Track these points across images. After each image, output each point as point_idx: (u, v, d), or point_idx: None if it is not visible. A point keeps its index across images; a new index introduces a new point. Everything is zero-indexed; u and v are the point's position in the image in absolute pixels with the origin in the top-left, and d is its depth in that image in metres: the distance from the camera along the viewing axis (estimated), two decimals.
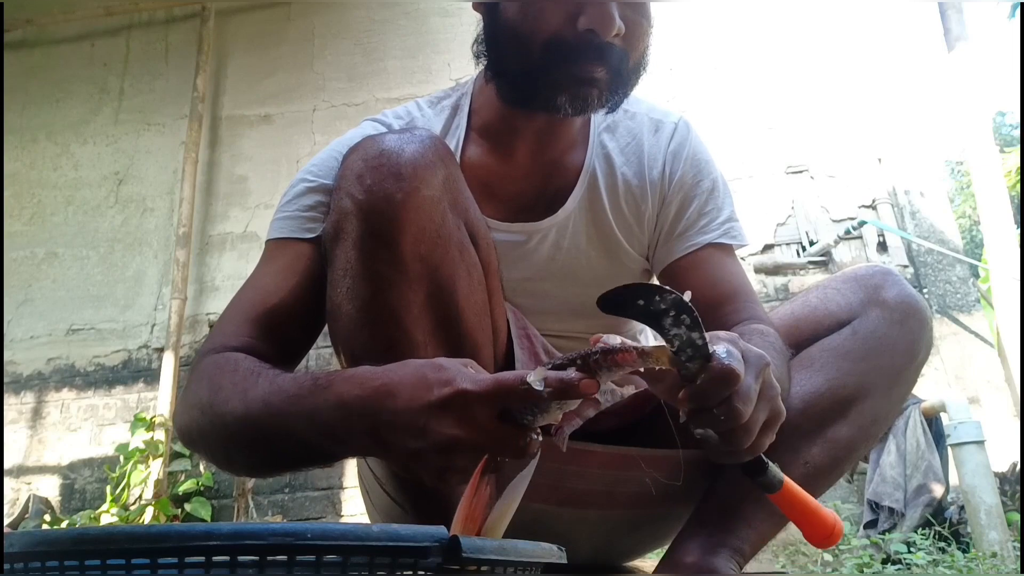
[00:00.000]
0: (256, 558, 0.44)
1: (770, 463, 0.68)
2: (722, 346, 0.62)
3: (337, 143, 0.99)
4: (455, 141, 1.04)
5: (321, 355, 3.11)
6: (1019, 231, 3.86)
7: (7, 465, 3.30)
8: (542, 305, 1.04)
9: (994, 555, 2.23)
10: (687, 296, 0.59)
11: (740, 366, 0.61)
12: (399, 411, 0.63)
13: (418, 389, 0.63)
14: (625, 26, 0.89)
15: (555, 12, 0.89)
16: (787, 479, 0.68)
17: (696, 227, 1.05)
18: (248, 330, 0.85)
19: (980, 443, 2.49)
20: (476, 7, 0.98)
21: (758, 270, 3.36)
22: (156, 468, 3.01)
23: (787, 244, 3.41)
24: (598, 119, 1.09)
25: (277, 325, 0.86)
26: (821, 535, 0.69)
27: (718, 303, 1.00)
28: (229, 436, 0.76)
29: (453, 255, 0.81)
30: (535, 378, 0.58)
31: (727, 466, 0.98)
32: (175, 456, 3.16)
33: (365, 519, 1.17)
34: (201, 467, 3.19)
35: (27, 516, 3.07)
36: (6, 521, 3.03)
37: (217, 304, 3.52)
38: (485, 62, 0.99)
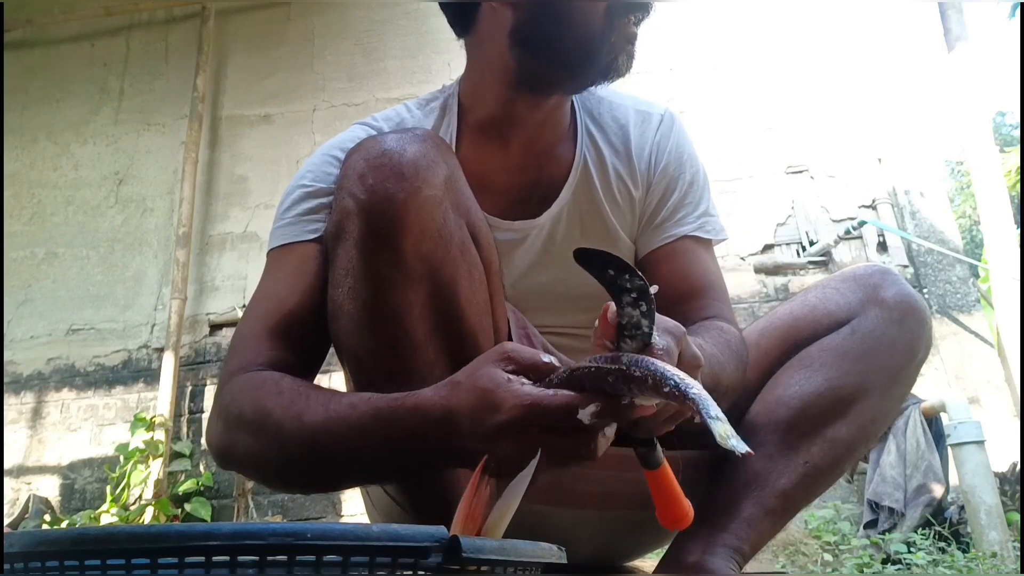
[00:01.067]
0: (256, 558, 0.44)
1: (658, 444, 0.72)
2: (663, 340, 0.64)
3: (328, 147, 0.99)
4: (447, 140, 1.04)
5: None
6: (1019, 231, 3.86)
7: (7, 465, 3.30)
8: (540, 299, 1.05)
9: (994, 555, 2.23)
10: (654, 289, 0.63)
11: (671, 364, 0.63)
12: (467, 435, 0.66)
13: (477, 413, 0.64)
14: None
15: None
16: (666, 463, 0.71)
17: (673, 219, 1.06)
18: (270, 343, 0.85)
19: (980, 443, 2.49)
20: (503, 4, 0.95)
21: (758, 270, 3.36)
22: (156, 468, 3.01)
23: (787, 244, 3.42)
24: (583, 110, 1.09)
25: (296, 331, 0.86)
26: (671, 518, 0.73)
27: (687, 296, 1.01)
28: (286, 461, 0.77)
29: (455, 255, 0.81)
30: (585, 415, 0.61)
31: (727, 467, 0.98)
32: (175, 456, 3.16)
33: (365, 519, 1.17)
34: (201, 467, 3.20)
35: (27, 516, 3.07)
36: (6, 521, 3.04)
37: (217, 304, 3.52)
38: (522, 51, 0.96)
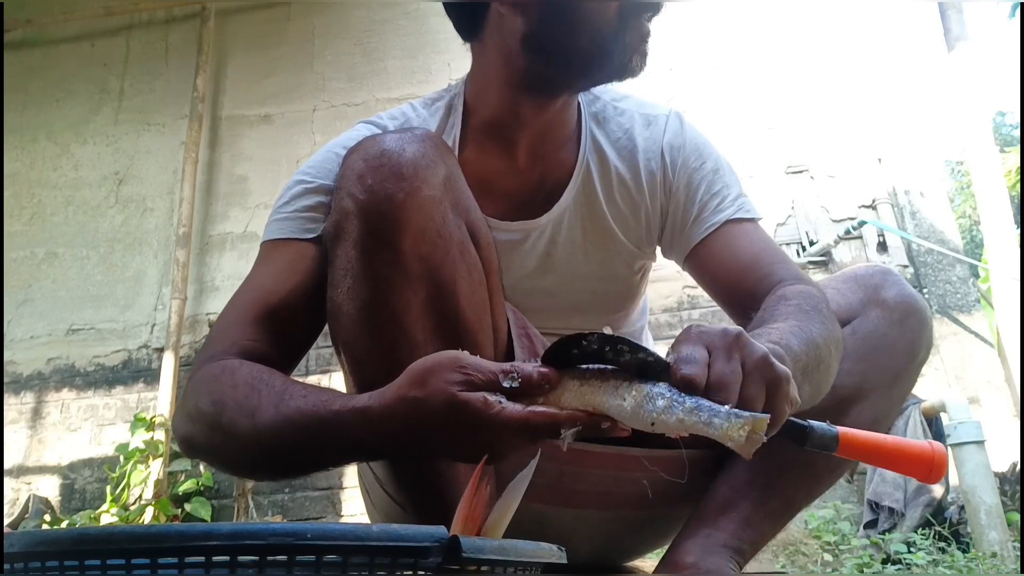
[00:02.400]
0: (256, 558, 0.44)
1: (811, 425, 0.65)
2: (678, 352, 0.63)
3: (332, 144, 0.99)
4: (451, 140, 1.04)
5: (321, 355, 3.11)
6: (1019, 231, 3.86)
7: (7, 465, 3.30)
8: (540, 302, 1.05)
9: (994, 555, 2.23)
10: (607, 330, 0.63)
11: (695, 367, 0.60)
12: (442, 450, 0.67)
13: (453, 439, 0.65)
14: None
15: None
16: (843, 431, 0.63)
17: (710, 207, 1.05)
18: (249, 332, 0.85)
19: (980, 443, 2.49)
20: (513, 8, 0.94)
21: None
22: (156, 468, 3.01)
23: (787, 244, 3.41)
24: (588, 114, 1.09)
25: (279, 325, 0.86)
26: (921, 471, 0.62)
27: (744, 273, 0.99)
28: (244, 455, 0.78)
29: (454, 255, 0.81)
30: (567, 435, 0.61)
31: (726, 466, 0.98)
32: (175, 456, 3.16)
33: (365, 519, 1.17)
34: (201, 467, 3.19)
35: (27, 516, 3.07)
36: (6, 521, 3.03)
37: (217, 304, 3.52)
38: (534, 55, 0.95)
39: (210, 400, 0.78)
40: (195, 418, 0.80)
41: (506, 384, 0.62)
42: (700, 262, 1.05)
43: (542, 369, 0.63)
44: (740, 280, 0.99)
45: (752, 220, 1.05)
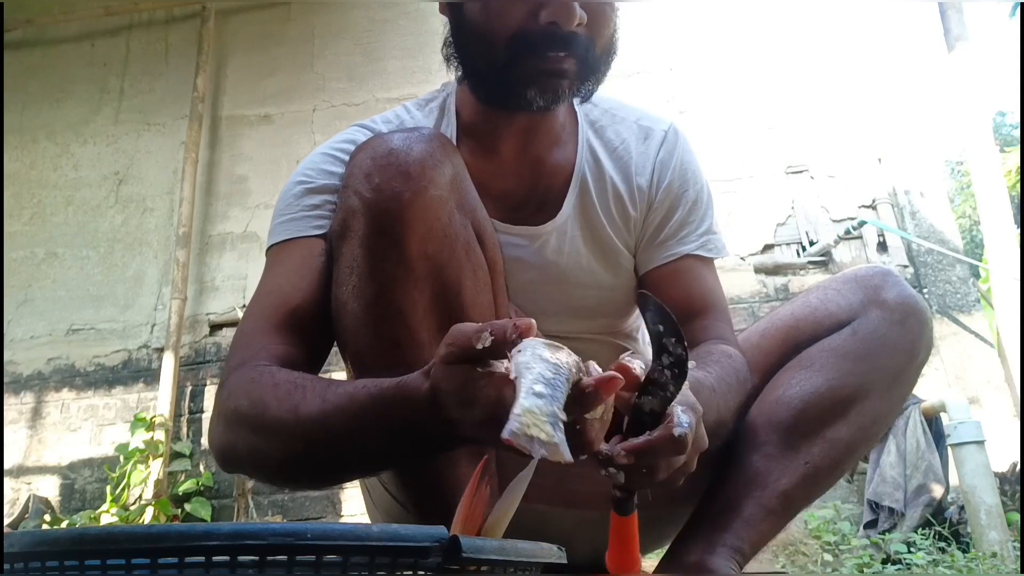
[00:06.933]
0: (256, 558, 0.44)
1: (636, 495, 0.71)
2: (687, 416, 0.64)
3: (325, 147, 0.99)
4: None
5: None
6: (1019, 231, 3.86)
7: (7, 465, 3.30)
8: (542, 307, 1.04)
9: (994, 555, 2.23)
10: (691, 364, 0.63)
11: (688, 445, 0.63)
12: (451, 391, 0.63)
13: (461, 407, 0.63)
14: (588, 13, 0.89)
15: (517, 7, 0.89)
16: (635, 514, 0.71)
17: (676, 237, 1.05)
18: (273, 337, 0.84)
19: (980, 443, 2.49)
20: (443, 10, 0.97)
21: (758, 270, 3.36)
22: (156, 468, 3.01)
23: (787, 244, 3.41)
24: (586, 121, 1.08)
25: (300, 325, 0.85)
26: (621, 565, 0.71)
27: (688, 316, 1.00)
28: (286, 454, 0.76)
29: (459, 254, 0.81)
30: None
31: (727, 467, 0.98)
32: (175, 456, 3.16)
33: (365, 519, 1.17)
34: (201, 467, 3.20)
35: (27, 516, 3.07)
36: (6, 521, 3.03)
37: (217, 304, 3.52)
38: (456, 64, 0.98)
39: (250, 402, 0.76)
40: (234, 423, 0.78)
41: (479, 347, 0.59)
42: (650, 286, 1.05)
43: (517, 321, 0.60)
44: (682, 321, 0.99)
45: (711, 260, 1.06)
